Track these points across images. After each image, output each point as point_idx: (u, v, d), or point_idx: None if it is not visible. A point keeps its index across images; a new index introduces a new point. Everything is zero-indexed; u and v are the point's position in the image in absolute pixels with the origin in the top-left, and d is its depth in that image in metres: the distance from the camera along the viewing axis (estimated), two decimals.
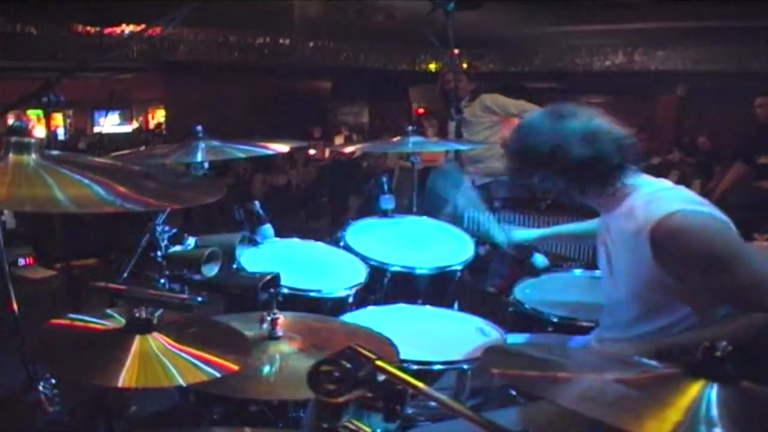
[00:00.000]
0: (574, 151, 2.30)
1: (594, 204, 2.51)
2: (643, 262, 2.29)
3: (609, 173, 2.34)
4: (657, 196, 2.31)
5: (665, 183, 2.43)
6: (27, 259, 5.87)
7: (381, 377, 1.32)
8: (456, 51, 5.18)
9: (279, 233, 3.48)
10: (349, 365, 1.29)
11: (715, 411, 1.25)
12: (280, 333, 2.36)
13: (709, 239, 2.20)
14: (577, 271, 3.59)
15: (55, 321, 2.04)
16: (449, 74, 5.97)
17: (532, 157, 2.40)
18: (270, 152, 3.34)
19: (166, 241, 2.79)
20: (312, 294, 3.08)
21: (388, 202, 3.87)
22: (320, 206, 10.80)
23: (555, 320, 3.03)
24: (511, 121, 6.29)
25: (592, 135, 2.31)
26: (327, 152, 12.07)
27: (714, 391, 1.29)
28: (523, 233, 3.30)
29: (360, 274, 3.31)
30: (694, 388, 1.30)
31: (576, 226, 3.21)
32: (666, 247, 2.23)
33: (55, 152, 1.88)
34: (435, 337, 2.87)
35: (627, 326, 2.48)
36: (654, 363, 1.55)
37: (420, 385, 1.31)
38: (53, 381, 2.21)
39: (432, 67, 12.97)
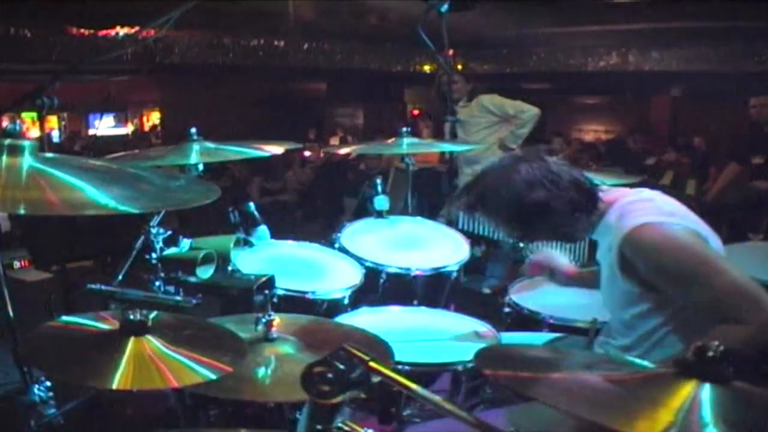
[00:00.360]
0: (537, 197, 2.34)
1: (585, 231, 2.51)
2: (615, 274, 2.33)
3: (578, 203, 2.37)
4: (627, 209, 2.33)
5: (643, 193, 2.43)
6: (22, 262, 5.85)
7: (375, 379, 1.32)
8: (450, 52, 5.18)
9: (274, 235, 3.48)
10: (342, 366, 1.29)
11: (707, 411, 1.26)
12: (275, 335, 2.36)
13: (676, 251, 2.19)
14: None
15: (50, 323, 2.04)
16: (445, 75, 5.98)
17: (502, 217, 2.46)
18: (265, 154, 3.34)
19: (161, 243, 2.79)
20: (307, 295, 3.08)
21: (383, 203, 3.87)
22: (316, 208, 10.79)
23: (551, 321, 3.03)
24: (511, 122, 6.31)
25: (543, 178, 2.36)
26: (321, 153, 12.07)
27: (706, 392, 1.30)
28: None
29: (355, 275, 3.31)
30: (686, 389, 1.30)
31: None
32: (632, 260, 2.25)
33: (49, 154, 1.88)
34: (430, 338, 2.87)
35: (615, 334, 2.52)
36: (646, 363, 1.56)
37: (414, 386, 1.31)
38: (48, 383, 2.21)
39: (427, 68, 12.99)
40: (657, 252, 2.20)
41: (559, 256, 3.05)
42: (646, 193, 2.43)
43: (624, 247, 2.26)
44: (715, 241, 2.30)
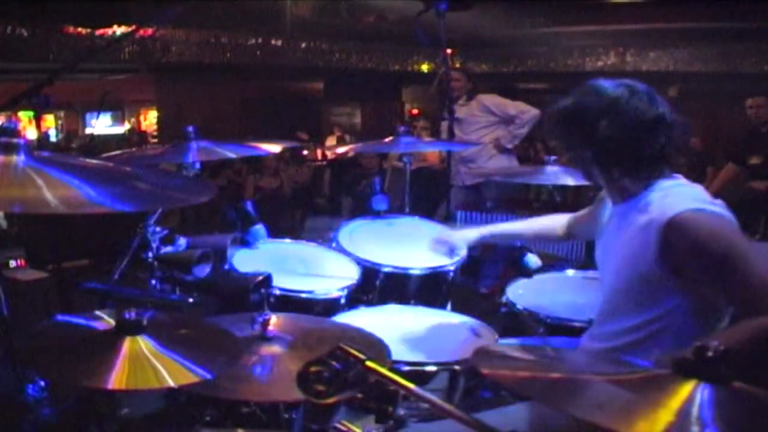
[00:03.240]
0: (620, 125, 2.26)
1: (610, 191, 2.48)
2: (644, 255, 2.26)
3: (642, 161, 2.31)
4: (672, 192, 2.29)
5: (681, 179, 2.40)
6: (18, 261, 5.84)
7: (372, 378, 1.32)
8: (449, 51, 5.18)
9: (271, 234, 3.48)
10: (338, 366, 1.29)
11: (706, 411, 1.25)
12: (271, 334, 2.35)
13: (721, 238, 2.18)
14: (570, 272, 3.59)
15: (45, 322, 2.03)
16: (450, 73, 5.98)
17: (578, 114, 2.36)
18: (262, 153, 3.33)
19: (157, 242, 2.78)
20: (304, 295, 3.07)
21: (380, 202, 3.86)
22: (314, 207, 10.78)
23: (548, 321, 3.02)
24: (510, 122, 6.30)
25: (650, 121, 2.27)
26: (319, 153, 12.06)
27: (705, 392, 1.29)
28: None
29: (352, 274, 3.31)
30: (686, 389, 1.30)
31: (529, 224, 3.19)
32: (677, 244, 2.20)
33: (45, 153, 1.88)
34: (427, 337, 2.86)
35: (607, 319, 2.47)
36: (645, 363, 1.55)
37: (410, 385, 1.30)
38: (43, 383, 2.20)
39: (425, 67, 12.99)
40: (703, 238, 2.17)
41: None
42: (683, 179, 2.39)
43: (671, 228, 2.21)
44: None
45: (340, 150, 5.90)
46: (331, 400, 1.28)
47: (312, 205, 10.78)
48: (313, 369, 1.28)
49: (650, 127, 2.27)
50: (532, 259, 3.25)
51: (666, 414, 1.24)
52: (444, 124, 5.86)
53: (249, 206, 3.35)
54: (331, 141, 14.06)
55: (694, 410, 1.25)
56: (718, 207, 2.25)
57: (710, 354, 1.32)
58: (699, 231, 2.18)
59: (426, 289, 3.46)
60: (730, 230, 2.21)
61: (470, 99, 6.35)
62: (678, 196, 2.27)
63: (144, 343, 1.87)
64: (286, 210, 10.21)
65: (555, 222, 3.08)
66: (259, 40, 11.61)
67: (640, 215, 2.32)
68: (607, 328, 2.46)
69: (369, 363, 1.30)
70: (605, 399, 1.35)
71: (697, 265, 2.20)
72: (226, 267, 2.97)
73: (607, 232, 2.53)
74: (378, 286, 3.42)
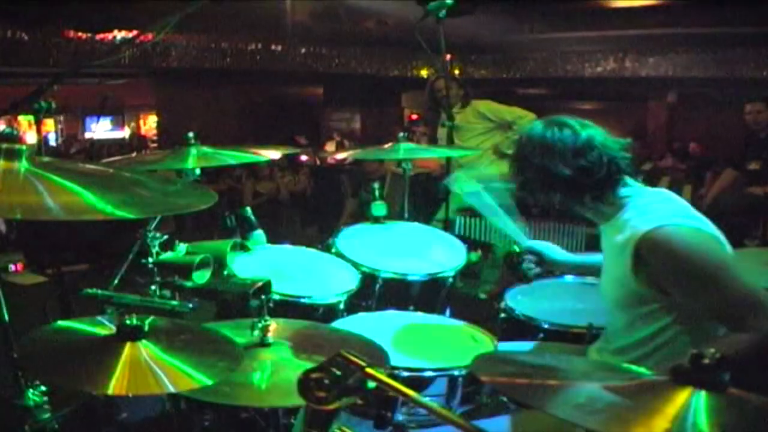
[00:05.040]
0: (564, 163, 2.32)
1: (591, 216, 2.51)
2: (625, 274, 2.30)
3: (600, 185, 2.35)
4: (648, 209, 2.31)
5: (661, 194, 2.42)
6: (17, 266, 5.85)
7: (372, 384, 1.32)
8: (448, 57, 5.18)
9: (270, 240, 3.48)
10: (338, 372, 1.29)
11: (702, 418, 1.26)
12: (271, 340, 2.36)
13: (693, 253, 2.19)
14: (569, 278, 3.59)
15: (45, 327, 2.04)
16: (441, 81, 5.97)
17: (528, 168, 2.43)
18: (261, 158, 3.34)
19: (157, 248, 2.78)
20: (303, 300, 3.07)
21: (379, 208, 3.87)
22: (312, 213, 10.78)
23: (546, 327, 3.02)
24: (507, 128, 6.30)
25: (582, 148, 2.33)
26: (317, 159, 12.07)
27: (701, 399, 1.30)
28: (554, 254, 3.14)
29: (351, 280, 3.31)
30: (682, 396, 1.31)
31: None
32: (650, 260, 2.23)
33: (46, 158, 1.88)
34: (426, 343, 2.87)
35: (614, 336, 2.51)
36: (642, 370, 1.56)
37: (410, 392, 1.31)
38: (43, 388, 2.20)
39: (424, 73, 13.01)
40: (675, 254, 2.19)
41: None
42: (665, 194, 2.42)
43: (641, 246, 2.23)
44: (727, 245, 2.30)
45: (339, 156, 5.90)
46: (331, 407, 1.28)
47: (310, 211, 10.77)
48: (314, 375, 1.29)
49: (588, 151, 2.33)
50: (531, 265, 3.25)
51: (662, 421, 1.25)
52: (442, 131, 5.87)
53: (248, 212, 3.36)
54: (330, 146, 14.07)
55: (690, 417, 1.26)
56: (696, 222, 2.25)
57: (706, 361, 1.33)
58: (671, 246, 2.20)
59: (425, 295, 3.47)
60: (706, 244, 2.22)
61: (464, 106, 6.35)
62: (650, 213, 2.29)
63: (144, 349, 1.87)
64: (284, 216, 10.22)
65: None
66: (259, 46, 11.62)
67: (619, 235, 2.36)
68: (612, 345, 2.50)
69: (369, 369, 1.31)
70: (603, 406, 1.35)
71: (674, 280, 2.22)
72: (226, 273, 2.97)
73: (603, 253, 2.56)
74: (377, 291, 3.42)
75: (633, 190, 2.41)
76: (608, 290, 2.49)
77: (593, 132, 2.37)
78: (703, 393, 1.31)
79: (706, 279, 2.18)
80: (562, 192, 2.39)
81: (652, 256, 2.22)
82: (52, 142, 14.55)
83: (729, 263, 2.21)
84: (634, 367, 1.61)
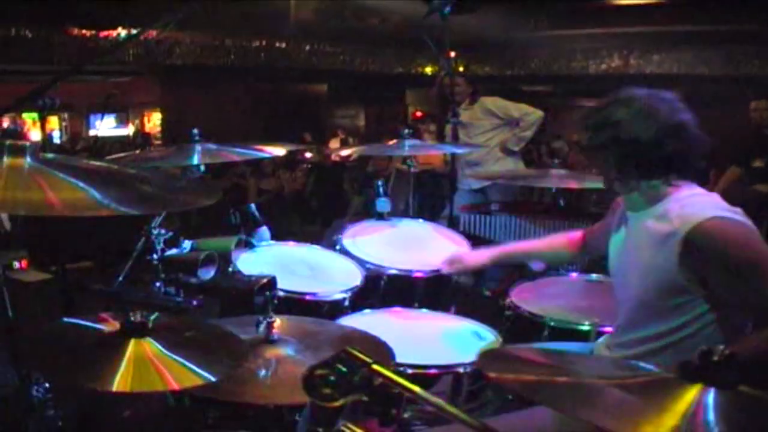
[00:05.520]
0: (640, 129, 2.30)
1: (627, 199, 2.47)
2: (667, 265, 2.26)
3: (659, 166, 2.33)
4: (691, 201, 2.29)
5: (696, 189, 2.40)
6: (21, 262, 5.84)
7: (377, 381, 1.31)
8: (452, 54, 5.17)
9: (275, 236, 3.47)
10: (344, 369, 1.28)
11: (712, 415, 1.25)
12: (275, 336, 2.35)
13: (744, 245, 2.19)
14: (573, 275, 3.58)
15: (49, 324, 2.03)
16: (447, 77, 5.97)
17: (603, 117, 2.40)
18: (266, 155, 3.33)
19: (162, 245, 2.78)
20: (308, 297, 3.07)
21: (384, 205, 3.86)
22: (313, 210, 10.77)
23: (551, 324, 3.02)
24: (514, 124, 6.29)
25: (670, 128, 2.31)
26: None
27: (711, 396, 1.29)
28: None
29: (356, 277, 3.30)
30: (692, 393, 1.30)
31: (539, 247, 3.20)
32: (701, 253, 2.21)
33: (50, 155, 1.88)
34: (431, 340, 2.86)
35: (628, 328, 2.47)
36: (651, 367, 1.55)
37: (416, 389, 1.30)
38: (47, 385, 2.20)
39: (428, 70, 12.99)
40: (730, 244, 2.19)
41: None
42: (698, 189, 2.39)
43: (695, 236, 2.21)
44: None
45: (344, 153, 5.90)
46: (337, 404, 1.28)
47: (312, 208, 10.76)
48: (319, 372, 1.28)
49: (670, 134, 2.29)
50: (536, 263, 3.25)
51: (671, 418, 1.24)
52: (448, 127, 5.86)
53: (253, 208, 3.35)
54: (334, 143, 14.06)
55: (700, 414, 1.25)
56: (739, 215, 2.25)
57: (715, 358, 1.32)
58: (726, 238, 2.19)
59: (430, 292, 3.46)
60: (754, 238, 2.23)
61: (473, 103, 6.34)
62: (697, 205, 2.27)
63: (148, 346, 1.87)
64: (287, 213, 10.22)
65: (567, 238, 3.06)
66: (263, 43, 11.61)
67: (659, 224, 2.33)
68: (628, 336, 2.47)
69: (375, 366, 1.30)
70: (611, 403, 1.35)
71: (722, 272, 2.21)
72: (231, 269, 2.97)
73: (622, 241, 2.52)
74: (382, 288, 3.42)
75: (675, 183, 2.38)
76: (633, 279, 2.44)
77: (686, 118, 2.37)
78: (713, 390, 1.30)
79: (753, 271, 2.17)
80: (618, 158, 2.36)
81: (706, 246, 2.20)
82: (57, 140, 14.54)
83: None
84: (642, 364, 1.59)
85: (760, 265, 2.17)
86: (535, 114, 6.20)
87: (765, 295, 2.16)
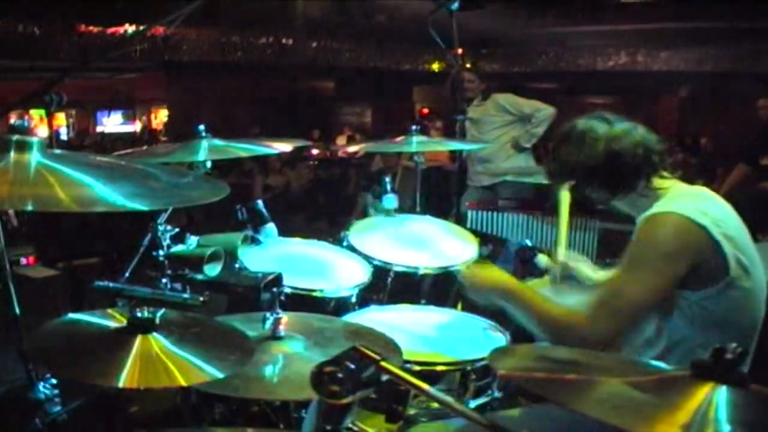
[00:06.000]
0: (596, 153, 2.33)
1: (629, 209, 2.48)
2: None
3: (634, 173, 2.34)
4: (673, 199, 2.28)
5: (700, 191, 2.38)
6: (28, 258, 5.85)
7: (384, 378, 1.31)
8: (460, 51, 5.16)
9: (281, 233, 3.47)
10: (352, 366, 1.28)
11: (723, 414, 1.24)
12: (282, 333, 2.35)
13: (644, 241, 2.22)
14: None
15: (56, 320, 2.03)
16: (462, 74, 5.97)
17: (565, 162, 2.44)
18: (273, 151, 3.33)
19: (168, 241, 2.78)
20: (315, 294, 3.06)
21: (391, 201, 3.85)
22: (321, 206, 10.79)
23: None
24: (526, 121, 6.27)
25: (616, 136, 2.34)
26: (329, 152, 12.08)
27: (723, 394, 1.28)
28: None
29: (363, 274, 3.30)
30: (703, 391, 1.29)
31: None
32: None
33: (57, 151, 1.87)
34: (438, 337, 2.86)
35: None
36: (662, 365, 1.54)
37: (424, 386, 1.30)
38: (54, 381, 2.20)
39: (435, 67, 12.99)
40: (638, 237, 2.24)
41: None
42: (704, 191, 2.38)
43: (637, 228, 2.28)
44: (722, 248, 2.20)
45: (351, 149, 5.89)
46: (345, 401, 1.27)
47: (318, 205, 10.77)
48: (327, 369, 1.28)
49: (621, 138, 2.35)
50: (543, 260, 3.23)
51: (683, 416, 1.24)
52: (457, 124, 5.85)
53: (260, 205, 3.35)
54: (341, 140, 14.08)
55: (711, 412, 1.25)
56: (704, 219, 2.19)
57: (728, 356, 1.31)
58: (639, 229, 2.24)
59: (437, 289, 3.46)
60: (661, 238, 2.20)
61: (485, 99, 6.33)
62: (671, 202, 2.27)
63: (155, 342, 1.86)
64: (293, 209, 10.24)
65: None
66: (270, 39, 11.62)
67: None
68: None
69: (383, 363, 1.30)
70: (622, 400, 1.34)
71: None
72: (237, 266, 2.96)
73: None
74: (389, 285, 3.41)
75: (670, 183, 2.38)
76: None
77: (627, 125, 2.39)
78: (724, 388, 1.29)
79: (627, 261, 2.21)
80: (597, 184, 2.39)
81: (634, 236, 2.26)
82: (64, 136, 14.58)
83: (656, 268, 2.19)
84: (654, 362, 1.59)
85: (635, 260, 2.21)
86: (547, 110, 6.19)
87: (615, 285, 2.23)
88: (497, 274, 2.60)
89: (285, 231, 3.53)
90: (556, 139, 2.50)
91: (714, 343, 2.10)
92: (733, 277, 2.18)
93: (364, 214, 4.17)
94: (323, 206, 10.74)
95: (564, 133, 2.45)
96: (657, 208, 2.25)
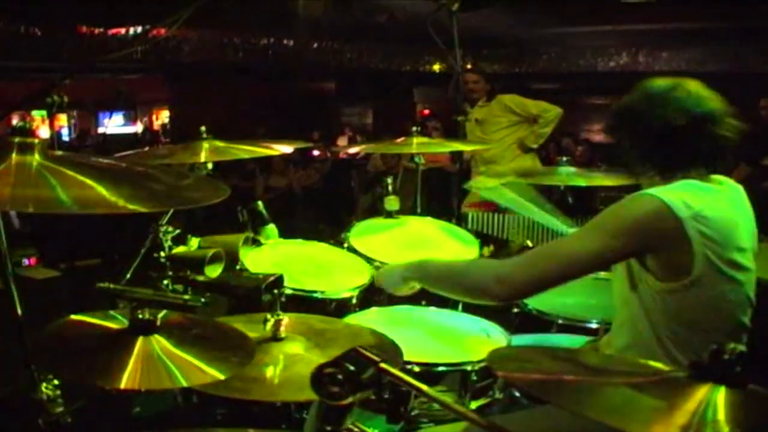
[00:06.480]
0: (658, 119, 2.22)
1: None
2: None
3: (676, 157, 2.23)
4: (665, 187, 2.18)
5: (701, 182, 2.28)
6: (31, 260, 5.86)
7: (385, 379, 1.31)
8: (460, 51, 5.17)
9: (283, 234, 3.47)
10: (352, 367, 1.28)
11: (721, 414, 1.24)
12: (283, 334, 2.35)
13: (615, 208, 2.15)
14: None
15: (58, 321, 2.04)
16: (467, 75, 5.98)
17: (624, 108, 2.34)
18: (274, 153, 3.33)
19: (169, 242, 2.78)
20: (316, 295, 3.07)
21: (392, 203, 3.85)
22: (322, 207, 10.79)
23: (560, 321, 3.02)
24: (532, 122, 6.27)
25: (700, 113, 2.22)
26: (329, 153, 12.09)
27: (721, 395, 1.29)
28: None
29: (364, 275, 3.30)
30: (701, 392, 1.29)
31: None
32: None
33: (59, 153, 1.88)
34: (438, 338, 2.86)
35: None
36: (661, 366, 1.54)
37: (424, 387, 1.30)
38: (56, 381, 2.20)
39: (436, 67, 12.98)
40: (612, 205, 2.18)
41: None
42: (711, 186, 2.23)
43: None
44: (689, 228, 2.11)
45: (351, 150, 5.90)
46: (345, 402, 1.28)
47: (320, 206, 10.76)
48: (327, 371, 1.28)
49: (691, 125, 2.20)
50: None
51: (681, 417, 1.24)
52: (468, 125, 5.86)
53: (261, 206, 3.35)
54: (342, 141, 14.08)
55: (710, 413, 1.25)
56: (680, 206, 2.09)
57: (726, 357, 1.32)
58: (622, 200, 2.16)
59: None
60: (636, 214, 2.12)
61: (490, 100, 6.33)
62: (662, 187, 2.18)
63: (157, 343, 1.87)
64: (295, 210, 10.23)
65: None
66: (271, 40, 11.63)
67: None
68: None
69: (384, 365, 1.30)
70: (620, 401, 1.34)
71: None
72: (238, 267, 2.97)
73: None
74: None
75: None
76: None
77: (712, 107, 2.27)
78: (722, 389, 1.30)
79: (589, 223, 2.17)
80: (639, 142, 2.29)
81: None
82: (65, 137, 14.59)
83: (616, 237, 2.12)
84: (652, 362, 1.59)
85: (591, 228, 2.16)
86: (554, 111, 6.19)
87: (553, 246, 2.28)
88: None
89: (286, 232, 3.53)
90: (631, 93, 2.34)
91: (681, 342, 2.13)
92: (698, 276, 2.09)
93: (366, 215, 4.17)
94: (324, 207, 10.74)
95: (642, 91, 2.31)
96: (648, 189, 2.17)
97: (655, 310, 2.17)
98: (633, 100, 2.31)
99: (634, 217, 2.12)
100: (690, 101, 2.23)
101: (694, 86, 2.29)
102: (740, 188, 2.35)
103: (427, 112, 15.40)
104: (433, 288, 2.51)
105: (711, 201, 2.17)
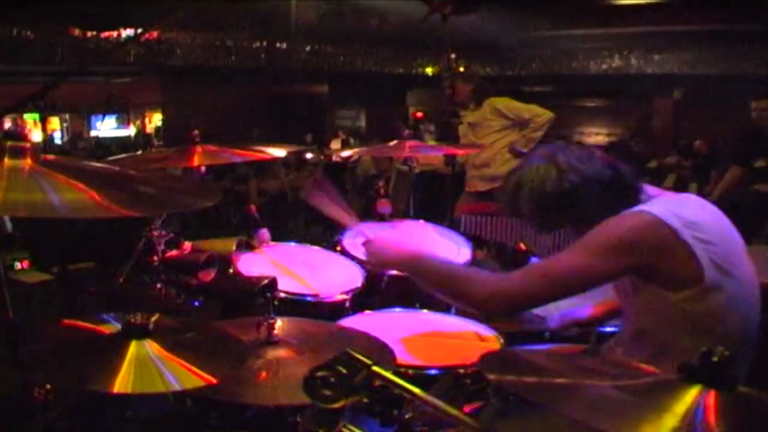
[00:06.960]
0: (557, 187, 2.29)
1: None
2: None
3: (607, 196, 2.29)
4: (648, 204, 2.24)
5: (677, 196, 2.35)
6: (23, 263, 5.84)
7: (377, 382, 1.32)
8: (453, 55, 5.18)
9: (276, 237, 3.48)
10: (344, 371, 1.29)
11: (711, 417, 1.25)
12: (276, 338, 2.35)
13: (606, 227, 2.17)
14: None
15: (50, 325, 2.04)
16: (458, 79, 6.00)
17: (522, 205, 2.39)
18: (267, 156, 3.34)
19: (162, 246, 2.78)
20: (309, 298, 3.07)
21: (384, 206, 3.86)
22: (314, 210, 10.75)
23: (552, 325, 3.02)
24: (524, 126, 6.27)
25: (571, 168, 2.28)
26: (322, 156, 12.08)
27: (711, 397, 1.29)
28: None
29: (357, 278, 3.30)
30: (691, 394, 1.30)
31: None
32: None
33: (51, 156, 1.88)
34: (432, 341, 2.86)
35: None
36: (651, 369, 1.55)
37: (416, 390, 1.30)
38: (48, 386, 2.20)
39: (429, 70, 12.99)
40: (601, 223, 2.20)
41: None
42: (689, 196, 2.36)
43: None
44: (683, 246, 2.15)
45: (345, 153, 5.91)
46: (337, 405, 1.28)
47: (310, 211, 10.73)
48: (319, 374, 1.29)
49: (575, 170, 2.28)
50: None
51: (671, 419, 1.24)
52: (461, 128, 5.87)
53: (253, 210, 3.36)
54: (335, 144, 14.07)
55: (699, 415, 1.25)
56: (669, 216, 2.15)
57: (715, 359, 1.32)
58: (611, 219, 2.19)
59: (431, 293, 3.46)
60: (627, 230, 2.16)
61: (479, 103, 6.34)
62: (644, 205, 2.24)
63: (150, 347, 1.87)
64: (289, 214, 10.22)
65: None
66: (264, 43, 11.62)
67: None
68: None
69: (375, 367, 1.30)
70: (611, 404, 1.35)
71: None
72: (231, 271, 2.97)
73: None
74: (382, 289, 3.41)
75: (659, 191, 2.38)
76: None
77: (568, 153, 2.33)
78: (712, 391, 1.30)
79: (581, 240, 2.19)
80: (563, 215, 2.35)
81: None
82: (58, 141, 14.54)
83: (609, 254, 2.15)
84: (642, 365, 1.60)
85: (583, 241, 2.19)
86: (546, 115, 6.19)
87: (552, 261, 2.27)
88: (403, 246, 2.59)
89: (280, 235, 3.53)
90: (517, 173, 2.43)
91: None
92: (712, 279, 2.13)
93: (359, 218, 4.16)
94: (317, 210, 10.70)
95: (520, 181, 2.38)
96: (635, 207, 2.22)
97: (674, 324, 2.20)
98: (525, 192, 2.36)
99: (624, 232, 2.16)
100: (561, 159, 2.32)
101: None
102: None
103: (420, 115, 15.40)
104: (424, 287, 2.52)
105: (694, 209, 2.25)
